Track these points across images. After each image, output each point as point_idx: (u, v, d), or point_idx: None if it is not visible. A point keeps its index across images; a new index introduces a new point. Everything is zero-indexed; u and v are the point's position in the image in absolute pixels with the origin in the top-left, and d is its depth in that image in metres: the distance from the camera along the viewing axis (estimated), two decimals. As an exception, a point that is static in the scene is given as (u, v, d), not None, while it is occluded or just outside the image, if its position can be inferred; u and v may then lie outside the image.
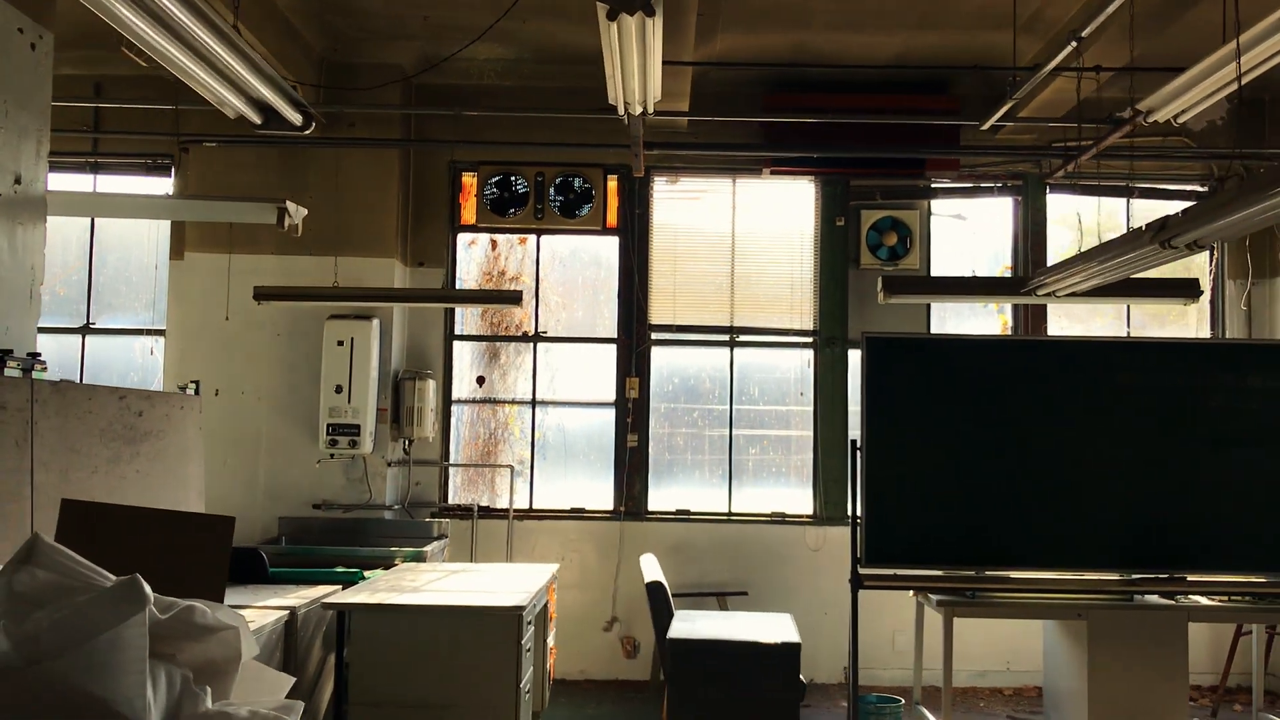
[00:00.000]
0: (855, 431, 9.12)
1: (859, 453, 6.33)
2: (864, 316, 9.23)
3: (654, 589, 7.27)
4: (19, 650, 2.20)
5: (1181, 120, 6.80)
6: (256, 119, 6.48)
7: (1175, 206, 9.51)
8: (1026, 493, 6.45)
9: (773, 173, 9.14)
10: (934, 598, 6.40)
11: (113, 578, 2.55)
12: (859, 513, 6.35)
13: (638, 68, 6.23)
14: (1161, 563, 6.47)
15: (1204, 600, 6.49)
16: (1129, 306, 9.25)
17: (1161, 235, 4.87)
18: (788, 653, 5.58)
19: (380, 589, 6.07)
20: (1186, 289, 6.58)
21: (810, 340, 9.28)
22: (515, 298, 7.74)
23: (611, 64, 6.22)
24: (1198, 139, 9.11)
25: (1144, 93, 7.54)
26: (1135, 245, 5.07)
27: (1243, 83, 6.02)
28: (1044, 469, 6.44)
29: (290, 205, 6.12)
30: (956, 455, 6.46)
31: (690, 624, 6.03)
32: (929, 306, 9.21)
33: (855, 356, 9.26)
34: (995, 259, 9.51)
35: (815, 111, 8.65)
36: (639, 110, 6.98)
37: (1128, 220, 9.48)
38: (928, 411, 6.46)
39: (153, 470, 4.64)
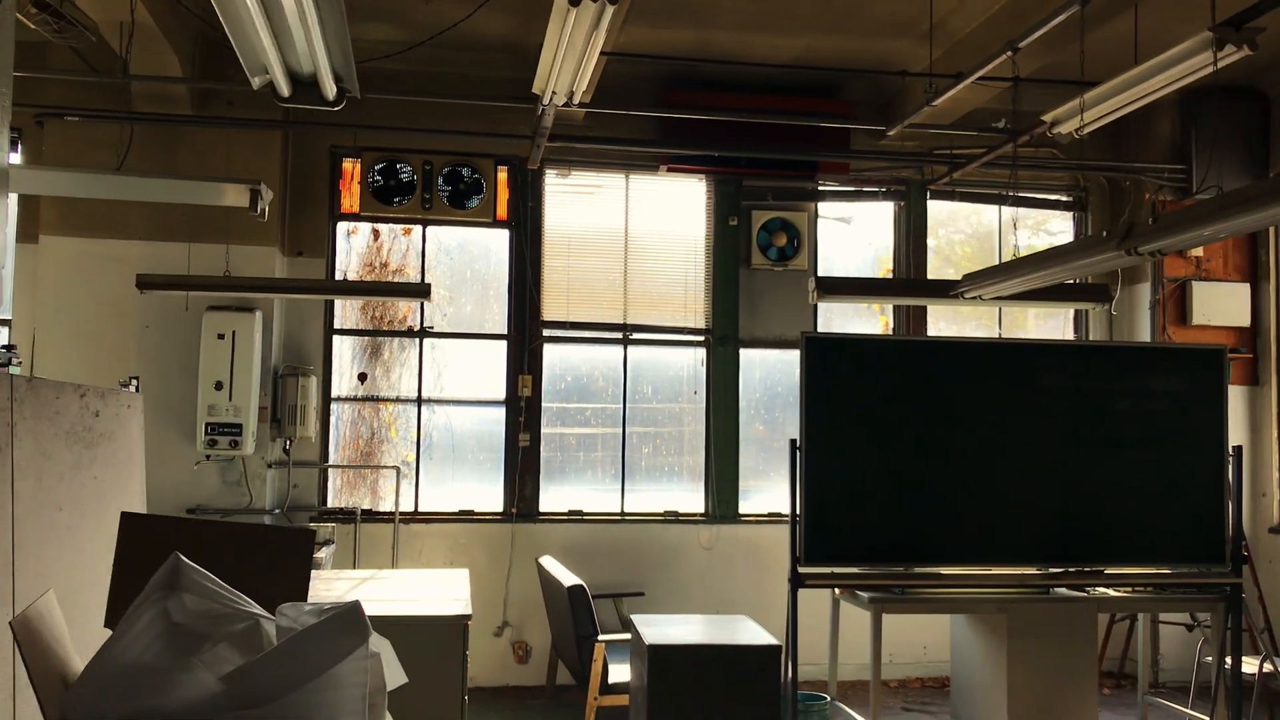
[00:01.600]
0: (746, 430, 9.20)
1: (799, 452, 6.34)
2: (755, 316, 9.29)
3: (576, 593, 7.10)
4: (231, 693, 1.91)
5: (1081, 133, 7.09)
6: (286, 90, 5.79)
7: (1045, 214, 9.98)
8: (956, 490, 6.60)
9: (669, 170, 9.08)
10: (864, 595, 6.47)
11: (250, 601, 2.29)
12: (798, 512, 6.35)
13: (579, 57, 6.07)
14: (1074, 557, 6.73)
15: (1112, 592, 6.80)
16: (1000, 310, 9.63)
17: (1127, 243, 5.05)
18: (770, 654, 5.53)
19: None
20: (1098, 294, 6.87)
21: (703, 339, 9.27)
22: (423, 291, 7.43)
23: (554, 52, 6.03)
24: (1064, 151, 9.55)
25: (1028, 105, 7.88)
26: (1098, 250, 5.24)
27: (1140, 104, 6.34)
28: (972, 467, 6.60)
29: (264, 187, 5.62)
30: (891, 454, 6.56)
31: (659, 629, 5.90)
32: (816, 307, 9.35)
33: (746, 356, 9.32)
34: (877, 261, 9.73)
35: (712, 109, 8.64)
36: (563, 100, 6.81)
37: (999, 227, 9.85)
38: (865, 412, 6.53)
39: (106, 475, 4.18)
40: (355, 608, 1.99)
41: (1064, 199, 9.88)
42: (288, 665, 1.91)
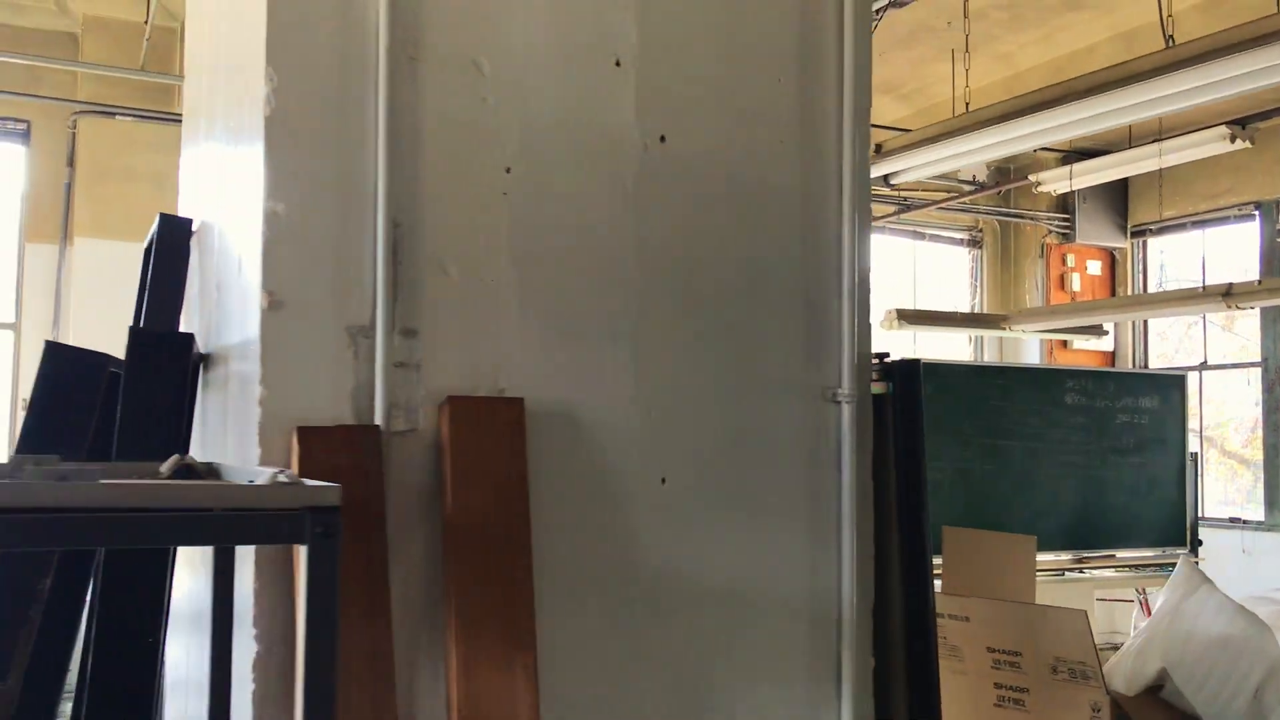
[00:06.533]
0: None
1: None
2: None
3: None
4: None
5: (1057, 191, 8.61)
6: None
7: (948, 249, 11.56)
8: (1006, 490, 7.91)
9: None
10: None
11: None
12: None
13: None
14: (1086, 544, 8.24)
15: (1110, 573, 8.37)
16: (915, 333, 11.10)
17: (1230, 299, 6.51)
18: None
19: None
20: (1095, 328, 8.41)
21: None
22: None
23: None
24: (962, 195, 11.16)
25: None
26: (1202, 301, 6.68)
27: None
28: (1018, 470, 7.94)
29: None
30: (959, 459, 7.76)
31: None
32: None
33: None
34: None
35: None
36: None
37: (914, 262, 11.32)
38: (941, 423, 7.69)
39: None
40: None
41: (962, 238, 11.50)
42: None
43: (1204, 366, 10.51)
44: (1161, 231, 11.06)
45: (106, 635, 2.16)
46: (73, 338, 7.74)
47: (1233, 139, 7.06)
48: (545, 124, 2.27)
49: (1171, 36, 5.00)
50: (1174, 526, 8.62)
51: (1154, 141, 6.95)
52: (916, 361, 2.58)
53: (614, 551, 2.27)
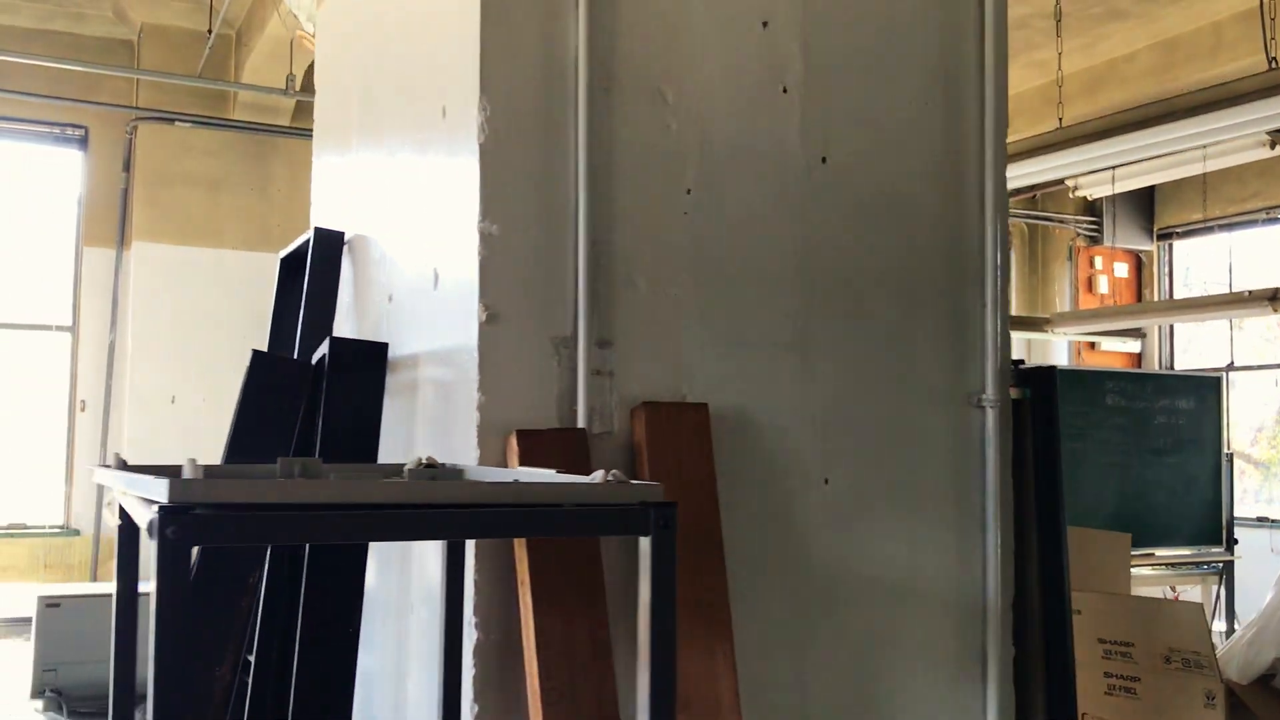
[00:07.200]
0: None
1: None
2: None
3: None
4: None
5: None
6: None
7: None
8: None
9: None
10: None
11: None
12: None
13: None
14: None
15: (1146, 570, 8.53)
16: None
17: (1276, 303, 6.67)
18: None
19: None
20: (1133, 331, 8.58)
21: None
22: None
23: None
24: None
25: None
26: (1247, 305, 6.84)
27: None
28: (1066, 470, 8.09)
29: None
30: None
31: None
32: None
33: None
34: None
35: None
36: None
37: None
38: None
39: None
40: None
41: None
42: None
43: (1230, 368, 10.69)
44: (1188, 234, 11.24)
45: (312, 624, 2.32)
46: (130, 341, 7.90)
47: (1273, 145, 7.22)
48: (720, 148, 2.43)
49: (1275, 59, 5.14)
50: (1210, 525, 8.79)
51: (1199, 148, 7.11)
52: (1053, 369, 2.73)
53: (788, 547, 2.43)
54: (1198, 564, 8.80)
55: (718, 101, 2.43)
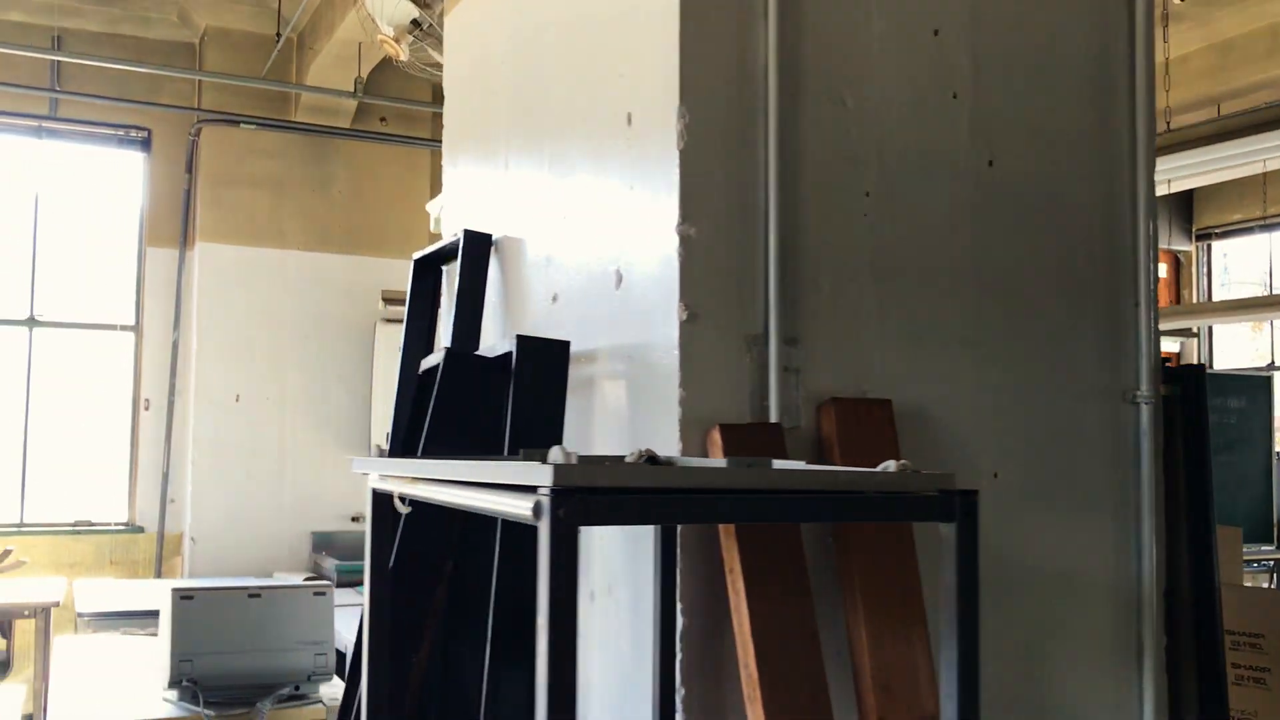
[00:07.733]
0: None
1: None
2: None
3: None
4: None
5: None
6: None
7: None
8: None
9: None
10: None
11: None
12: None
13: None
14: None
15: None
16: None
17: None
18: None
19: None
20: (1184, 330, 8.65)
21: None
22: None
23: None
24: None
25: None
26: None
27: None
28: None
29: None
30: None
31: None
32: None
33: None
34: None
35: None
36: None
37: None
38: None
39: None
40: None
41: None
42: None
43: (1272, 368, 10.74)
44: (1226, 235, 11.30)
45: (505, 611, 2.40)
46: (195, 340, 8.00)
47: (1317, 145, 7.29)
48: (896, 152, 2.51)
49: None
50: (1261, 524, 8.85)
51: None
52: (1201, 367, 2.81)
53: (963, 538, 2.50)
54: (1249, 562, 8.86)
55: (893, 107, 2.51)
